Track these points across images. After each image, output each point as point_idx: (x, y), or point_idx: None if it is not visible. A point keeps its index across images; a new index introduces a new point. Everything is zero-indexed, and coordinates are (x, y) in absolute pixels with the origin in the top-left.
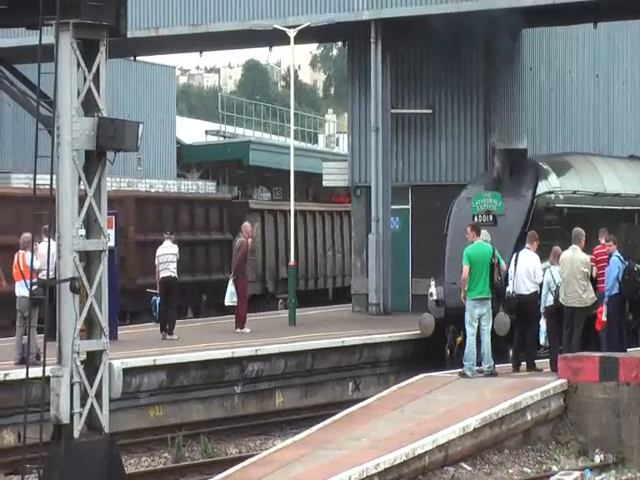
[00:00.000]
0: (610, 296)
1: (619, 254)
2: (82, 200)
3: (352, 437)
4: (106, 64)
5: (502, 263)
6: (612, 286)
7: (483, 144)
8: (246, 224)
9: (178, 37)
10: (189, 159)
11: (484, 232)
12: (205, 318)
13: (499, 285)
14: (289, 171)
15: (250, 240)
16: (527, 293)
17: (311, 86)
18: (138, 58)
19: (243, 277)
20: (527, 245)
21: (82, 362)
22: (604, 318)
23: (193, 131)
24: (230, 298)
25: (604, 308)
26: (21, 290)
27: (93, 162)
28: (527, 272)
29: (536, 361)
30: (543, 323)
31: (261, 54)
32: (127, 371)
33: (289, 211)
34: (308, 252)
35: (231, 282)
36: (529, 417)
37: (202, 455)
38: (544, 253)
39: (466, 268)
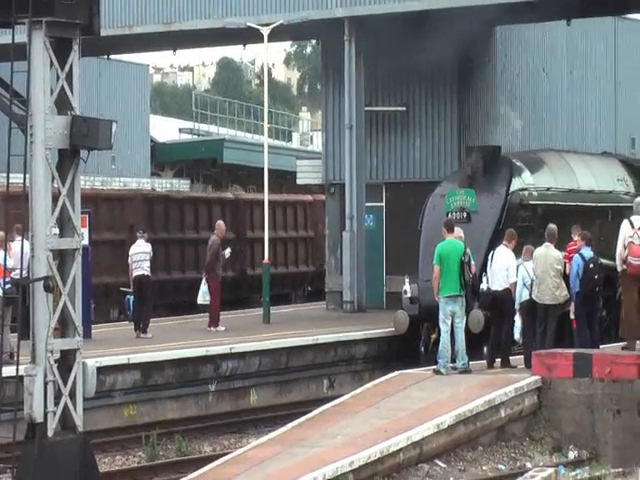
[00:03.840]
0: (575, 293)
1: (585, 251)
2: (55, 199)
3: (327, 435)
4: (79, 63)
5: (473, 262)
6: (574, 283)
7: (457, 141)
8: (219, 222)
9: (151, 35)
10: (163, 157)
11: (457, 229)
12: (180, 316)
13: (472, 282)
14: (263, 169)
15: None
16: (501, 289)
17: (285, 84)
18: (112, 56)
19: (215, 275)
20: (504, 242)
21: (56, 361)
22: (572, 316)
23: (167, 129)
24: (203, 297)
25: (572, 305)
26: None
27: (66, 161)
28: (502, 269)
29: (510, 358)
30: (518, 319)
31: (235, 52)
32: (101, 370)
33: None
34: None
35: (204, 281)
36: (503, 414)
37: (176, 454)
38: (518, 250)
39: (437, 269)
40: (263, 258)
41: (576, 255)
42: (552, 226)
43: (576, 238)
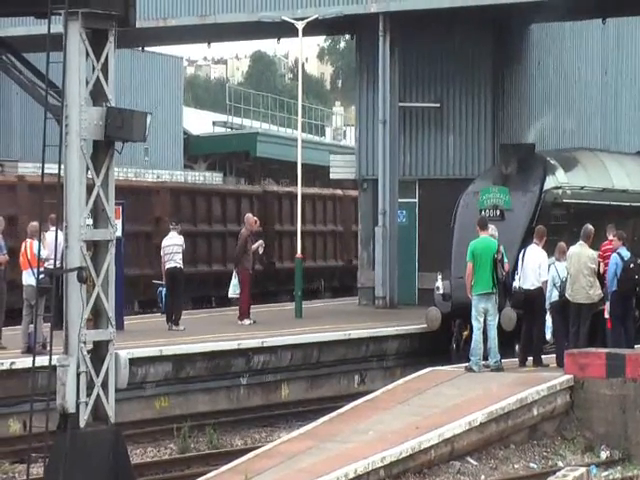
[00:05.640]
0: (611, 293)
1: (622, 250)
2: (90, 190)
3: (358, 430)
4: (114, 54)
5: (506, 260)
6: (611, 283)
7: (491, 138)
8: (248, 215)
9: (186, 28)
10: (196, 150)
11: (491, 227)
12: (213, 309)
13: (505, 280)
14: (296, 163)
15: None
16: (533, 288)
17: (318, 78)
18: (146, 48)
19: (244, 268)
20: (535, 240)
21: (88, 352)
22: (606, 315)
23: (200, 122)
24: (233, 290)
25: (606, 305)
26: (28, 279)
27: (101, 152)
28: (534, 267)
29: (542, 356)
30: (549, 318)
31: (269, 46)
32: (133, 361)
33: None
34: None
35: (234, 274)
36: (535, 412)
37: (208, 446)
38: (551, 248)
39: (469, 266)
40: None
41: (614, 254)
42: (588, 225)
43: (611, 237)
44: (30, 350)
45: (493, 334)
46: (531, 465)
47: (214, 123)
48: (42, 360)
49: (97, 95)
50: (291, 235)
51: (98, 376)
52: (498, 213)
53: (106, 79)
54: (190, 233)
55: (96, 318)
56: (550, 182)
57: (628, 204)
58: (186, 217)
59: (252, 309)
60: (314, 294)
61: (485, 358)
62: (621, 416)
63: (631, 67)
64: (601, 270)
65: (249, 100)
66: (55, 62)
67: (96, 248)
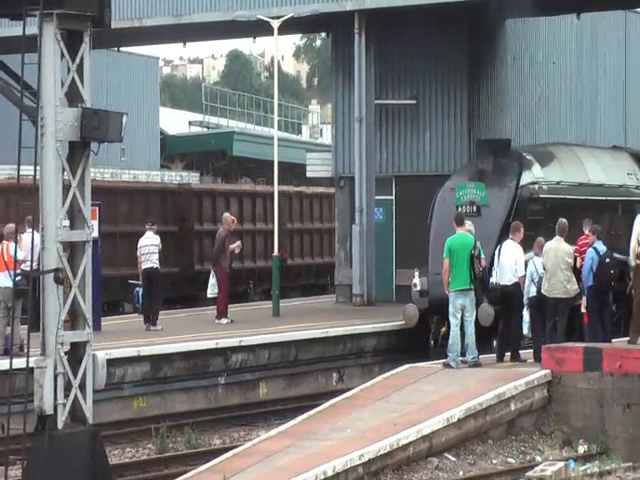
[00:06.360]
0: (587, 287)
1: (598, 245)
2: (66, 191)
3: (336, 428)
4: (90, 55)
5: (482, 256)
6: (587, 277)
7: (467, 135)
8: (226, 215)
9: (162, 28)
10: (173, 150)
11: (468, 222)
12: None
13: (482, 276)
14: (272, 161)
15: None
16: (510, 284)
17: (294, 77)
18: (122, 49)
19: (221, 268)
20: (511, 236)
21: (66, 353)
22: (583, 309)
23: (176, 122)
24: (211, 290)
25: (583, 299)
26: (5, 281)
27: (77, 153)
28: (510, 263)
29: (520, 352)
30: (526, 314)
31: (244, 45)
32: (111, 362)
33: None
34: None
35: (212, 273)
36: (513, 408)
37: (186, 446)
38: (528, 244)
39: (446, 262)
40: None
41: (590, 249)
42: (563, 220)
43: (587, 232)
44: (7, 352)
45: (471, 330)
46: (509, 460)
47: (190, 123)
48: (20, 362)
49: (73, 96)
50: (301, 233)
51: (76, 377)
52: (475, 209)
53: (82, 80)
54: (211, 232)
55: (73, 319)
56: (526, 177)
57: (604, 198)
58: (207, 217)
59: (230, 308)
60: (323, 289)
61: (463, 354)
62: (598, 410)
63: (605, 60)
64: (578, 265)
65: (225, 99)
66: (30, 63)
67: (72, 249)
